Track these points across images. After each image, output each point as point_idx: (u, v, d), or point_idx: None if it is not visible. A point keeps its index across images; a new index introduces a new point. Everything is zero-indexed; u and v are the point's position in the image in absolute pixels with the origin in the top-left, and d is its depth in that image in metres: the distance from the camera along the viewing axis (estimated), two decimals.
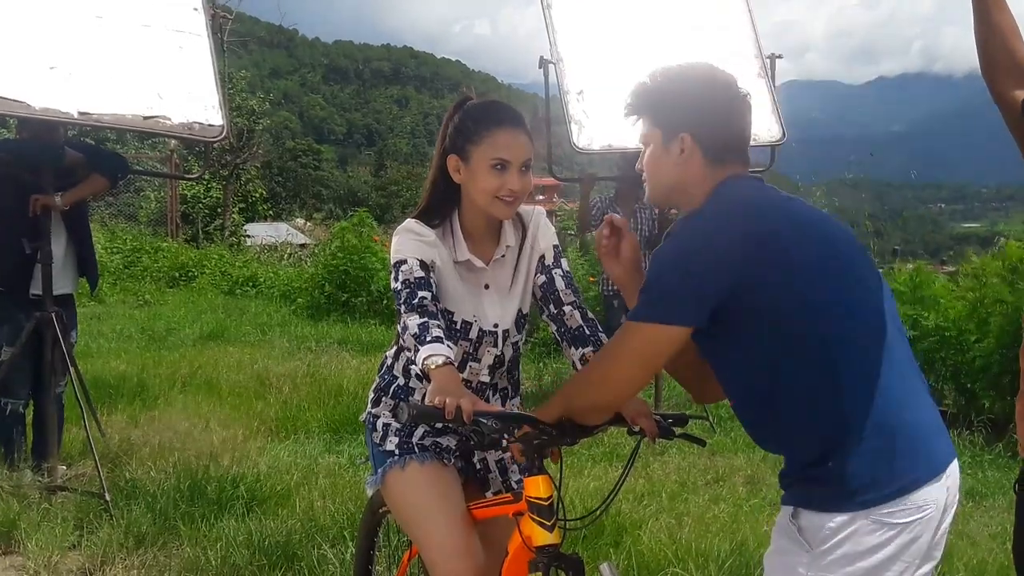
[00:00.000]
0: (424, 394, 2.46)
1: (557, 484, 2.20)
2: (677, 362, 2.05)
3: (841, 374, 1.82)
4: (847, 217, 12.85)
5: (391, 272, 2.38)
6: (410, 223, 2.42)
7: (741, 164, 2.07)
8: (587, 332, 2.45)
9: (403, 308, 2.28)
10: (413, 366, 2.36)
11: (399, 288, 2.32)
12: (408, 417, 2.03)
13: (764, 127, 5.91)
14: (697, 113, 2.04)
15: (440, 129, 2.47)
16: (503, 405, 2.58)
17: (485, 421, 2.05)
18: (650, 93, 2.09)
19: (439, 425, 2.46)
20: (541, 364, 8.74)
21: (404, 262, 2.35)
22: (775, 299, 1.83)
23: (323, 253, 13.76)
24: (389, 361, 2.59)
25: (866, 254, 2.01)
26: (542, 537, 2.18)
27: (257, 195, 30.02)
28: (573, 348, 2.44)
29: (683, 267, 1.85)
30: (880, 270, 2.02)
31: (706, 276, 1.82)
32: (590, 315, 2.51)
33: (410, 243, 2.37)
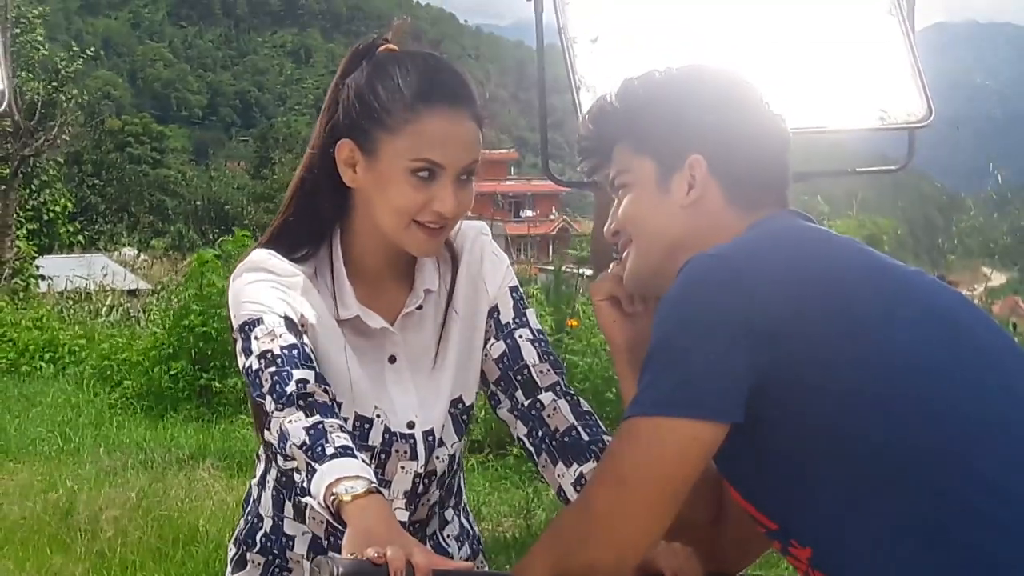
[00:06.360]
0: (316, 542, 2.43)
1: None
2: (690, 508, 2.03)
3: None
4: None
5: (235, 341, 2.32)
6: (260, 256, 2.36)
7: (780, 208, 2.12)
8: (584, 437, 2.39)
9: (271, 403, 2.20)
10: (303, 498, 2.28)
11: (256, 367, 2.24)
12: None
13: (898, 100, 5.96)
14: (711, 128, 2.08)
15: (328, 91, 2.40)
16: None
17: None
18: (630, 108, 2.14)
19: None
20: (502, 493, 8.72)
21: (258, 322, 2.27)
22: (850, 376, 1.83)
23: (168, 306, 13.70)
24: (254, 492, 2.56)
25: (1006, 335, 2.02)
26: None
27: (58, 209, 29.97)
28: (561, 464, 2.38)
29: (704, 326, 1.87)
30: None
31: (737, 339, 1.84)
32: (585, 406, 2.45)
33: (265, 290, 2.32)
